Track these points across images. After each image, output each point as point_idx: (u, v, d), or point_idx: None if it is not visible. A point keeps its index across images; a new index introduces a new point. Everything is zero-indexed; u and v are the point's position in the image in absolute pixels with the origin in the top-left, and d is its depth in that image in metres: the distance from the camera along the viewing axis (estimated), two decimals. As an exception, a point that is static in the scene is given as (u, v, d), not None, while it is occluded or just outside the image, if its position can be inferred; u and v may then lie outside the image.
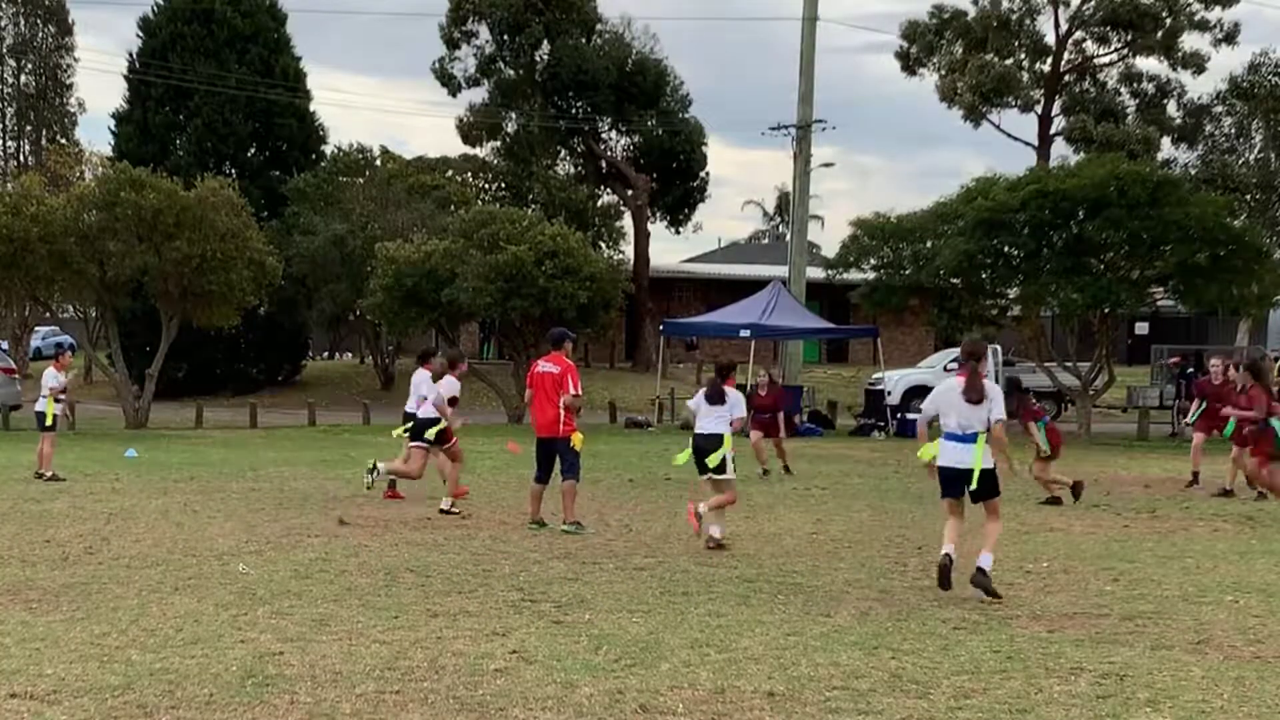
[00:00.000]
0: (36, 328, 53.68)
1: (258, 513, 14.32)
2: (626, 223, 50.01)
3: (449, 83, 47.88)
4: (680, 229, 54.12)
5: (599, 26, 47.98)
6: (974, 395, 9.66)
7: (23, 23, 59.38)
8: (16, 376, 34.97)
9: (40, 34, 59.64)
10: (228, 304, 32.27)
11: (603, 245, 46.21)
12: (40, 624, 8.41)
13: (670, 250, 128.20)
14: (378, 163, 46.40)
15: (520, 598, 9.41)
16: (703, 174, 50.91)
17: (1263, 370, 15.78)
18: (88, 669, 7.23)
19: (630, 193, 49.01)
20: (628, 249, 49.14)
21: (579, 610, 8.97)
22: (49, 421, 18.19)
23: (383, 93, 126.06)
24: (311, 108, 47.63)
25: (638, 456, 22.99)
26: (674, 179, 49.66)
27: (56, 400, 18.19)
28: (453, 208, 41.74)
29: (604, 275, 33.14)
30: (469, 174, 49.79)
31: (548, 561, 11.10)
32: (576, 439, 12.96)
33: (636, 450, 24.45)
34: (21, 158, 59.37)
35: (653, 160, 48.93)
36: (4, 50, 58.88)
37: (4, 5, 58.52)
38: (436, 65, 47.68)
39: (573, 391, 12.90)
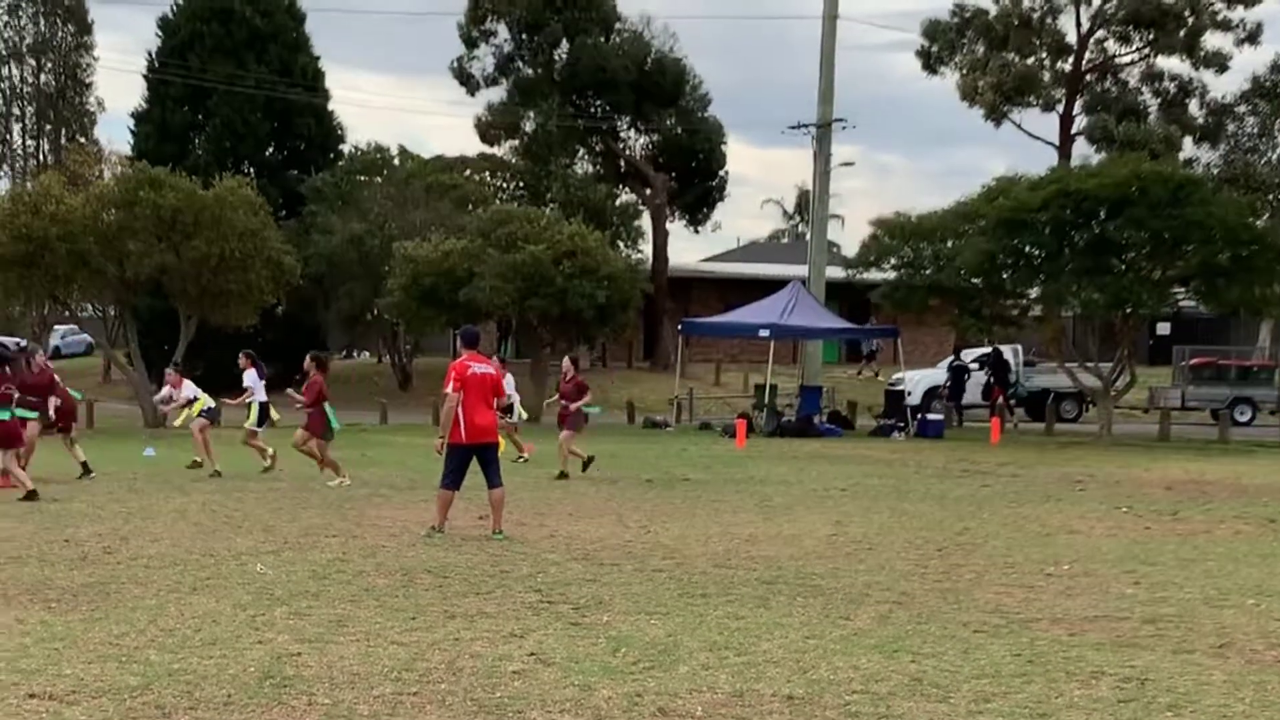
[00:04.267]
0: (55, 326, 53.88)
1: (276, 513, 14.32)
2: (645, 222, 49.91)
3: (467, 82, 47.89)
4: (699, 228, 54.10)
5: (618, 25, 47.90)
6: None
7: (42, 22, 59.51)
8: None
9: (60, 33, 59.77)
10: (246, 303, 32.35)
11: (621, 244, 46.08)
12: (59, 624, 8.42)
13: (689, 249, 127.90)
14: (396, 162, 46.45)
15: (538, 599, 9.38)
16: (722, 173, 50.81)
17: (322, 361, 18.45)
18: (106, 669, 7.23)
19: (649, 192, 48.94)
20: (646, 248, 49.07)
21: (597, 612, 8.94)
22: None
23: (401, 92, 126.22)
24: (330, 107, 47.78)
25: (655, 457, 22.99)
26: (693, 178, 49.57)
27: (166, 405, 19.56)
28: (471, 207, 41.80)
29: (622, 275, 33.15)
30: (487, 173, 49.76)
31: (565, 563, 11.07)
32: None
33: (654, 451, 24.44)
34: (41, 157, 59.55)
35: (672, 159, 48.85)
36: (24, 49, 59.07)
37: (24, 4, 58.69)
38: (455, 64, 47.71)
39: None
